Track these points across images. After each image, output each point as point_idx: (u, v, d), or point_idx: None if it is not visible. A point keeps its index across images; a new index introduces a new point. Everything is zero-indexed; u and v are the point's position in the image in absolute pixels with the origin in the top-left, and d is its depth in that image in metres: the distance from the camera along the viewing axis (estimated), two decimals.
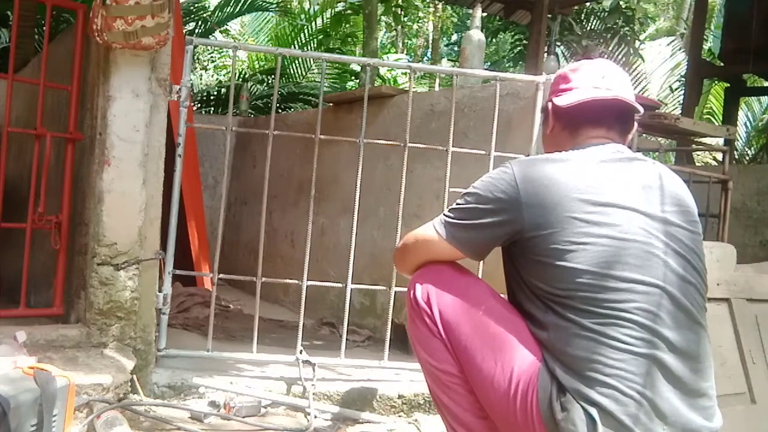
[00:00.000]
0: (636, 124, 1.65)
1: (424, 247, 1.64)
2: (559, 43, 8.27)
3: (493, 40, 11.20)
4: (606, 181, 1.48)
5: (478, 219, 1.52)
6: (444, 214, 1.60)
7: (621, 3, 9.22)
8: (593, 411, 1.34)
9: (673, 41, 12.17)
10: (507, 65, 11.31)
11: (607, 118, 1.59)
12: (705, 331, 1.47)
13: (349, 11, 10.11)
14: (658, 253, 1.43)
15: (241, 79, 8.32)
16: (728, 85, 7.64)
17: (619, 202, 1.45)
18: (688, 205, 1.53)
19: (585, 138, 1.59)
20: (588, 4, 8.82)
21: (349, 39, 11.09)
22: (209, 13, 9.05)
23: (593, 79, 1.61)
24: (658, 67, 11.82)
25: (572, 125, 1.61)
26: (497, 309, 1.53)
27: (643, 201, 1.47)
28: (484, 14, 8.02)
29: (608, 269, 1.39)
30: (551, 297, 1.43)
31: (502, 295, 1.60)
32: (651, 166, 1.56)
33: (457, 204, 1.58)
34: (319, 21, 10.19)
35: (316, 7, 10.60)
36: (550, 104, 1.66)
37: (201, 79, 10.17)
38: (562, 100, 1.60)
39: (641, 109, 1.62)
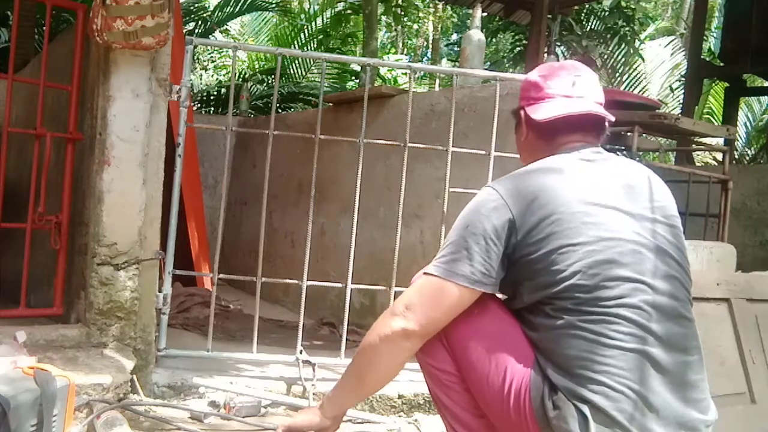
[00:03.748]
0: (608, 125, 1.66)
1: (443, 301, 1.46)
2: (559, 43, 8.27)
3: (493, 40, 11.20)
4: (588, 182, 1.50)
5: (480, 246, 1.46)
6: (442, 257, 1.48)
7: (621, 3, 9.22)
8: (585, 408, 1.35)
9: (673, 41, 12.17)
10: (507, 65, 11.31)
11: (582, 127, 1.61)
12: (692, 324, 1.48)
13: (349, 11, 10.11)
14: (641, 249, 1.44)
15: (241, 79, 8.32)
16: (728, 85, 7.64)
17: (602, 201, 1.47)
18: (666, 201, 1.55)
19: (561, 144, 1.62)
20: (588, 4, 8.82)
21: (349, 39, 11.10)
22: (209, 13, 9.05)
23: (564, 86, 1.62)
24: (658, 67, 11.82)
25: (547, 135, 1.63)
26: (492, 309, 1.54)
27: (624, 199, 1.49)
28: (484, 14, 8.02)
29: (597, 269, 1.41)
30: (543, 299, 1.44)
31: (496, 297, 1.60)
32: (627, 165, 1.59)
33: (450, 241, 1.50)
34: (319, 21, 10.19)
35: (316, 7, 10.60)
36: (522, 113, 1.67)
37: (201, 79, 10.17)
38: (536, 113, 1.62)
39: (612, 119, 1.64)
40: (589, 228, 1.43)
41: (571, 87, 1.61)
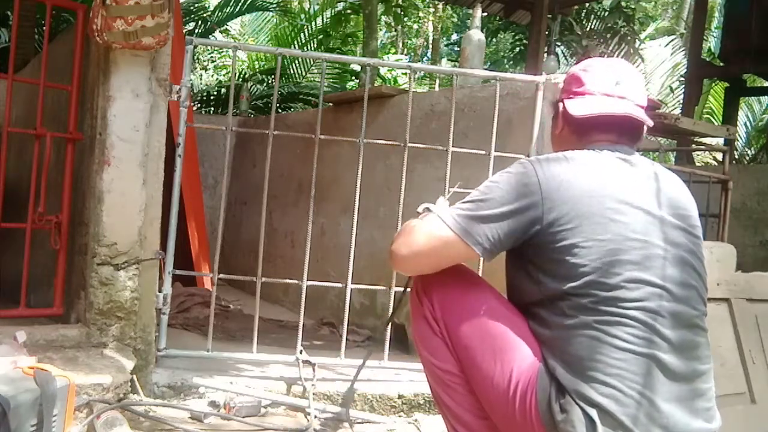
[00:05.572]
0: (645, 130, 1.65)
1: (437, 246, 1.51)
2: (559, 43, 8.28)
3: (493, 40, 11.22)
4: (622, 181, 1.49)
5: (498, 212, 1.47)
6: (459, 207, 1.52)
7: (621, 2, 9.23)
8: (593, 412, 1.34)
9: (673, 41, 12.18)
10: (507, 65, 11.33)
11: (618, 128, 1.60)
12: (705, 334, 1.48)
13: (349, 11, 10.10)
14: (665, 254, 1.44)
15: (241, 79, 8.32)
16: (728, 85, 7.64)
17: (633, 201, 1.46)
18: (690, 209, 1.55)
19: (594, 141, 1.60)
20: (588, 3, 8.82)
21: (349, 39, 11.09)
22: (209, 13, 9.05)
23: (607, 84, 1.60)
24: (658, 67, 11.84)
25: (581, 131, 1.61)
26: (498, 309, 1.53)
27: (653, 203, 1.48)
28: (484, 14, 8.03)
29: (619, 268, 1.40)
30: (560, 294, 1.43)
31: (503, 295, 1.60)
32: (655, 169, 1.57)
33: (474, 197, 1.51)
34: (319, 21, 10.18)
35: (316, 7, 10.60)
36: (561, 105, 1.66)
37: (201, 79, 10.16)
38: (574, 108, 1.60)
39: (651, 123, 1.62)
40: (617, 226, 1.42)
41: (613, 86, 1.59)
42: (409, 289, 1.72)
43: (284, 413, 2.47)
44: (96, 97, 2.52)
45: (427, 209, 1.62)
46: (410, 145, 2.81)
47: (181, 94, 2.59)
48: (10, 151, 3.21)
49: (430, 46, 15.04)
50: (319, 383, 2.56)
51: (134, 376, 2.35)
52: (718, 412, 1.46)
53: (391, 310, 2.78)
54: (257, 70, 9.58)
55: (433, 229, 1.52)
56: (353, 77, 9.38)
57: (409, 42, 15.35)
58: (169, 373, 2.52)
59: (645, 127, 1.62)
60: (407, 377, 2.72)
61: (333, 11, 10.14)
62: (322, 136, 2.79)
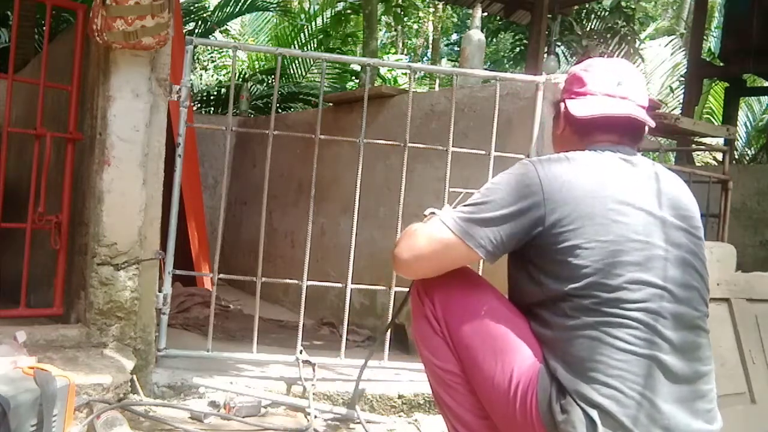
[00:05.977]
0: (647, 131, 1.65)
1: (439, 250, 1.52)
2: (559, 43, 8.28)
3: (493, 40, 11.23)
4: (624, 182, 1.49)
5: (500, 214, 1.47)
6: (460, 210, 1.52)
7: (621, 2, 9.24)
8: (593, 413, 1.34)
9: (673, 41, 12.19)
10: (507, 65, 11.33)
11: (619, 129, 1.59)
12: (707, 335, 1.47)
13: (349, 11, 10.11)
14: (667, 256, 1.44)
15: (241, 79, 8.32)
16: (728, 85, 7.65)
17: (635, 203, 1.46)
18: (691, 210, 1.55)
19: (596, 141, 1.59)
20: (588, 3, 8.83)
21: (349, 39, 11.10)
22: (209, 13, 9.05)
23: (608, 85, 1.59)
24: (658, 67, 11.84)
25: (583, 131, 1.61)
26: (500, 309, 1.53)
27: (656, 204, 1.48)
28: (484, 14, 8.04)
29: (621, 269, 1.40)
30: (563, 295, 1.42)
31: (504, 296, 1.59)
32: (656, 169, 1.57)
33: (475, 200, 1.52)
34: (319, 21, 10.19)
35: (316, 7, 10.60)
36: (562, 105, 1.65)
37: (201, 79, 10.16)
38: (576, 109, 1.59)
39: (653, 124, 1.62)
40: (619, 227, 1.42)
41: (615, 86, 1.59)
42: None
43: (284, 413, 2.47)
44: (96, 97, 2.52)
45: (433, 213, 1.61)
46: (410, 145, 2.81)
47: (181, 94, 2.59)
48: (10, 151, 3.21)
49: (430, 46, 15.05)
50: (319, 383, 2.56)
51: (134, 376, 2.35)
52: (719, 415, 1.46)
53: (391, 312, 2.78)
54: (257, 70, 9.58)
55: (434, 232, 1.52)
56: (353, 77, 9.38)
57: (409, 42, 15.35)
58: (169, 373, 2.52)
59: (646, 128, 1.62)
60: (407, 377, 2.72)
61: (333, 11, 10.14)
62: (322, 136, 2.79)
